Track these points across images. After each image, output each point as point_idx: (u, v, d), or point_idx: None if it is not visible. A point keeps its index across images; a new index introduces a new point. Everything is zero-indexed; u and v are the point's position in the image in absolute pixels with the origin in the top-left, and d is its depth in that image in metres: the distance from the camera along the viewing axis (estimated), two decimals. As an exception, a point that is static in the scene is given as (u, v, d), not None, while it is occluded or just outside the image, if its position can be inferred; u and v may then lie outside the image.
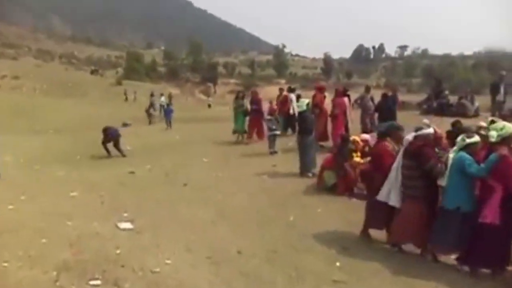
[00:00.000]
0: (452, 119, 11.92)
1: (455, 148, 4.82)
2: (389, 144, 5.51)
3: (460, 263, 4.86)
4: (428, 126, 5.21)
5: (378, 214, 5.55)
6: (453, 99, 17.79)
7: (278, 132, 11.72)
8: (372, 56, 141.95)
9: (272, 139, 11.69)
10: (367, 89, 12.85)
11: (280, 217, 6.85)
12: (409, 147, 5.05)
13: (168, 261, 5.18)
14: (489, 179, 4.47)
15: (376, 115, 12.30)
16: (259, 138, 13.61)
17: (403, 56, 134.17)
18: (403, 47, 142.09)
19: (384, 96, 11.88)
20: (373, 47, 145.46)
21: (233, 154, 11.99)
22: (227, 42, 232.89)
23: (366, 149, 8.91)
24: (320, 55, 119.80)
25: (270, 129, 11.62)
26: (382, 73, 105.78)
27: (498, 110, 13.84)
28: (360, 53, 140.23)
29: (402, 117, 14.53)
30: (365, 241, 5.82)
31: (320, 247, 5.71)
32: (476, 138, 4.75)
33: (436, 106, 16.99)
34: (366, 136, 9.09)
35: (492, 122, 10.41)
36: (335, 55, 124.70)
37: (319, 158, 9.46)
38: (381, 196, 5.33)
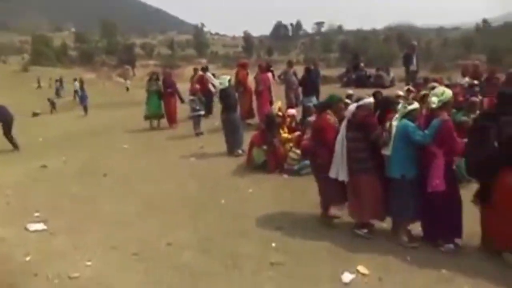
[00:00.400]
0: (371, 90, 12.40)
1: (397, 116, 4.71)
2: (330, 117, 5.25)
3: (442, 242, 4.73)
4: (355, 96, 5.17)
5: (334, 189, 5.24)
6: (369, 71, 18.48)
7: (202, 112, 11.25)
8: (290, 33, 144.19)
9: (197, 120, 11.21)
10: (290, 64, 12.76)
11: (212, 202, 6.51)
12: (352, 118, 4.84)
13: (89, 263, 4.65)
14: (431, 145, 4.45)
15: (300, 89, 12.26)
16: (171, 124, 12.77)
17: (320, 32, 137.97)
18: (319, 24, 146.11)
19: (307, 70, 11.85)
20: (291, 24, 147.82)
21: (156, 139, 11.34)
22: (144, 23, 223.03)
23: (293, 124, 8.86)
24: (240, 34, 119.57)
25: (193, 110, 11.12)
26: (301, 49, 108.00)
27: (412, 80, 14.47)
28: (279, 31, 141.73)
29: (325, 91, 14.84)
30: (326, 224, 5.48)
31: (255, 229, 5.48)
32: (416, 105, 4.71)
33: (355, 79, 17.54)
34: (292, 111, 8.99)
35: (408, 90, 11.06)
36: (255, 33, 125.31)
37: (246, 136, 9.20)
38: (332, 173, 5.08)
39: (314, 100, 10.86)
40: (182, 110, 12.78)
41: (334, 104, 5.30)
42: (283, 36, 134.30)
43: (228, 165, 8.43)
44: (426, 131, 4.46)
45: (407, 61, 14.57)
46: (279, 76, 12.92)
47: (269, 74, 11.54)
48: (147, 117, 12.98)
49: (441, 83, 9.80)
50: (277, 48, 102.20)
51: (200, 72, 14.07)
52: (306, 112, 9.70)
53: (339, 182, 5.10)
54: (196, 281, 4.31)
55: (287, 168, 7.82)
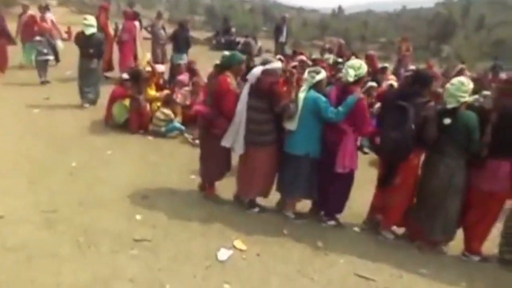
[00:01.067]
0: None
1: (303, 87, 4.23)
2: (231, 80, 4.42)
3: (325, 218, 4.58)
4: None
5: (223, 161, 4.64)
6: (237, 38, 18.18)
7: (50, 57, 9.46)
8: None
9: (43, 65, 9.39)
10: (159, 15, 11.55)
11: (59, 164, 5.38)
12: (257, 84, 4.14)
13: None
14: (343, 122, 4.11)
15: (169, 46, 11.22)
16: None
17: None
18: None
19: (181, 25, 10.83)
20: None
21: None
22: None
23: (161, 82, 7.99)
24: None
25: (40, 53, 9.27)
26: (166, 6, 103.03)
27: (280, 51, 14.65)
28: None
29: (193, 52, 14.06)
30: (209, 199, 4.82)
31: (115, 198, 4.64)
32: (324, 74, 4.27)
33: (224, 42, 17.06)
34: (161, 67, 8.07)
35: (280, 60, 11.03)
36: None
37: (104, 90, 8.02)
38: (226, 142, 4.39)
39: (184, 57, 10.04)
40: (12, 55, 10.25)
41: (235, 65, 4.44)
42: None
43: (80, 121, 7.20)
44: (339, 108, 4.07)
45: (277, 32, 14.64)
46: (145, 28, 11.59)
47: (136, 23, 10.24)
48: None
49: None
50: (139, 1, 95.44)
51: (31, 12, 10.77)
52: (175, 70, 8.88)
53: (227, 154, 4.59)
54: (37, 266, 3.37)
55: (152, 129, 7.00)
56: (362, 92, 8.56)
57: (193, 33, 26.29)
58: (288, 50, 14.09)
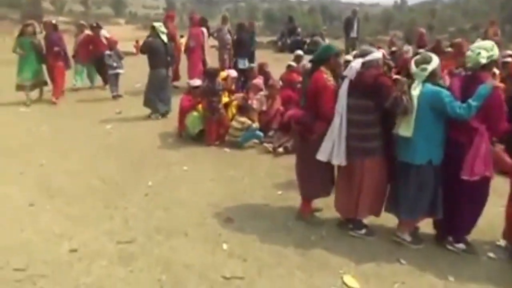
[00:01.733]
0: (308, 57, 11.33)
1: (415, 82, 3.35)
2: (327, 76, 3.60)
3: (452, 240, 3.65)
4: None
5: (324, 176, 3.85)
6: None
7: (121, 71, 9.29)
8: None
9: (114, 78, 9.25)
10: (224, 19, 11.11)
11: (136, 185, 4.93)
12: (358, 79, 3.38)
13: None
14: (473, 119, 3.24)
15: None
16: (56, 95, 8.90)
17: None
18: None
19: (242, 27, 10.28)
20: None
21: (63, 100, 9.12)
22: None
23: (233, 88, 7.46)
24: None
25: (111, 67, 9.14)
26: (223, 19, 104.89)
27: (352, 47, 13.68)
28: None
29: (258, 56, 13.50)
30: (303, 220, 4.08)
31: (194, 223, 4.06)
32: (437, 61, 3.38)
33: (290, 44, 16.34)
34: (234, 72, 7.50)
35: (356, 56, 10.12)
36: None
37: (174, 102, 7.64)
38: (323, 155, 3.57)
39: (246, 62, 9.56)
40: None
41: (332, 57, 3.66)
42: (207, 0, 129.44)
43: (154, 135, 6.82)
44: (470, 101, 3.17)
45: (347, 26, 13.67)
46: (211, 34, 11.22)
47: (203, 29, 9.83)
48: (20, 87, 8.73)
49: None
50: (200, 12, 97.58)
51: (87, 32, 10.13)
52: (246, 74, 8.30)
53: (328, 167, 3.81)
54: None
55: (228, 139, 6.43)
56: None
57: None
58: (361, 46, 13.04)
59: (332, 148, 3.53)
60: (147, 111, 7.77)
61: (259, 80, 7.32)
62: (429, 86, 3.31)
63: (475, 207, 3.48)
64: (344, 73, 3.51)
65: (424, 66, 3.31)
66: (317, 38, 16.10)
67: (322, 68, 3.64)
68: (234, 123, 6.36)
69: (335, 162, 3.57)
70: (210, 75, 6.69)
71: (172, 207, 4.39)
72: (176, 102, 7.17)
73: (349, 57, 9.68)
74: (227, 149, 6.23)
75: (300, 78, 7.57)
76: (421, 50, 10.36)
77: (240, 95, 7.08)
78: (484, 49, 3.24)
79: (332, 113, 3.49)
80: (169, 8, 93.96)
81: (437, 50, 11.59)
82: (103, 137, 6.74)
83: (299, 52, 9.71)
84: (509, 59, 9.68)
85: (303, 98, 3.85)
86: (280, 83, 7.45)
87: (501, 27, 18.59)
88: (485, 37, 12.27)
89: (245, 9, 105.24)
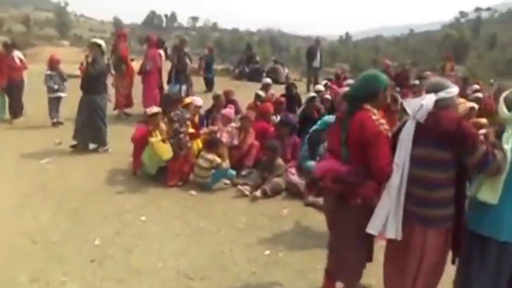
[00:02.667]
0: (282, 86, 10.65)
1: (508, 131, 2.42)
2: (377, 117, 2.61)
3: None
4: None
5: (361, 255, 2.83)
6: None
7: (63, 94, 7.97)
8: (164, 24, 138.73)
9: (55, 103, 7.92)
10: (182, 42, 10.16)
11: (78, 244, 3.74)
12: (431, 122, 2.44)
13: None
14: None
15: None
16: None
17: (195, 27, 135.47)
18: (194, 18, 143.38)
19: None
20: (165, 15, 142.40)
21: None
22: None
23: (196, 118, 6.45)
24: (109, 19, 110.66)
25: (51, 90, 7.83)
26: (175, 42, 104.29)
27: (314, 76, 13.20)
28: (152, 20, 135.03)
29: (219, 82, 12.68)
30: None
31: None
32: None
33: (249, 72, 15.66)
34: (200, 100, 6.51)
35: (326, 85, 9.51)
36: (126, 20, 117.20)
37: (123, 130, 6.49)
38: (375, 226, 2.60)
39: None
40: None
41: (381, 92, 2.68)
42: (156, 26, 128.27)
43: (101, 172, 5.62)
44: None
45: (310, 55, 13.19)
46: (168, 57, 10.22)
47: (161, 52, 8.82)
48: None
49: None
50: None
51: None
52: (216, 103, 7.32)
53: (369, 239, 2.81)
54: None
55: (194, 180, 5.40)
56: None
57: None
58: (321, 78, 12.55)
59: (387, 217, 2.56)
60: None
61: (229, 110, 6.40)
62: None
63: None
64: (411, 113, 2.52)
65: None
66: (277, 66, 15.58)
67: (368, 107, 2.66)
68: (200, 161, 5.33)
69: (390, 235, 2.56)
70: (172, 101, 5.68)
71: (128, 279, 3.26)
72: (128, 132, 6.02)
73: (320, 87, 9.19)
74: (193, 192, 5.17)
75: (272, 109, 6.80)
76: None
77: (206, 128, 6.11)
78: None
79: (390, 170, 2.54)
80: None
81: (402, 77, 11.37)
82: (36, 175, 5.44)
83: (267, 80, 9.00)
84: (479, 95, 9.56)
85: (344, 148, 2.71)
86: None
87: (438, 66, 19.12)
88: (442, 72, 12.27)
89: (195, 37, 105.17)
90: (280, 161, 5.43)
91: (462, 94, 10.30)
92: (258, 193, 5.06)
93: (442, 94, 2.47)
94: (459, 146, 2.39)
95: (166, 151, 5.26)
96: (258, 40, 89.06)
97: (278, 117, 6.68)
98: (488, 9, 61.41)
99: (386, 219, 2.52)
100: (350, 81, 9.63)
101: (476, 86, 10.77)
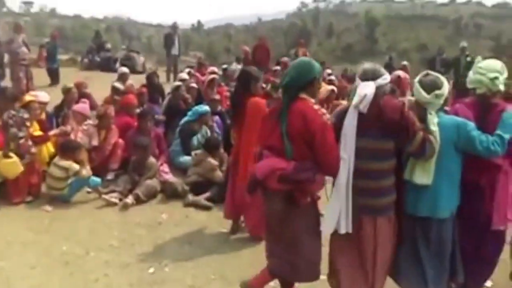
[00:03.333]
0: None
1: (431, 113, 2.38)
2: (318, 106, 2.41)
3: None
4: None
5: (316, 254, 2.52)
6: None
7: None
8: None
9: None
10: (18, 28, 8.55)
11: None
12: (374, 111, 2.29)
13: None
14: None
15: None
16: None
17: (29, 13, 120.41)
18: (28, 3, 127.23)
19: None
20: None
21: None
22: None
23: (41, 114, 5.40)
24: None
25: None
26: (5, 30, 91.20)
27: (173, 65, 12.55)
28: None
29: (63, 75, 11.13)
30: None
31: None
32: (447, 84, 2.51)
33: (100, 61, 14.26)
34: (46, 95, 5.43)
35: (190, 74, 8.99)
36: None
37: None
38: (329, 225, 2.37)
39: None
40: None
41: (316, 81, 2.47)
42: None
43: None
44: (500, 133, 2.41)
45: (168, 42, 12.47)
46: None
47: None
48: None
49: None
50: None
51: None
52: (66, 97, 6.24)
53: (319, 238, 2.54)
54: None
55: (47, 192, 4.46)
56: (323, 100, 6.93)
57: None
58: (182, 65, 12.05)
59: (338, 211, 2.33)
60: None
61: (83, 105, 5.49)
62: (448, 117, 2.49)
63: (494, 258, 2.78)
64: (353, 103, 2.31)
65: (438, 92, 2.42)
66: (132, 54, 14.47)
67: (304, 96, 2.42)
68: (53, 170, 4.41)
69: (342, 230, 2.36)
70: (4, 100, 4.58)
71: None
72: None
73: (184, 75, 8.65)
74: (48, 208, 4.25)
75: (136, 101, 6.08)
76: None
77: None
78: (497, 72, 2.55)
79: (339, 160, 2.33)
80: None
81: (262, 63, 11.48)
82: None
83: (124, 69, 8.12)
84: (332, 77, 10.21)
85: (286, 143, 2.38)
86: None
87: (286, 53, 20.42)
88: (295, 58, 12.85)
89: (30, 24, 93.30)
90: (152, 159, 4.82)
91: (320, 78, 11.00)
92: (129, 199, 4.40)
93: (380, 81, 2.32)
94: (402, 134, 2.29)
95: (11, 168, 4.21)
96: (105, 27, 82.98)
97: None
98: (324, 0, 67.69)
99: (338, 214, 2.33)
100: (214, 69, 9.42)
101: (329, 70, 11.55)
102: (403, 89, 4.76)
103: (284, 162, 2.35)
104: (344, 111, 2.37)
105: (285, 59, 10.98)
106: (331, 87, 7.96)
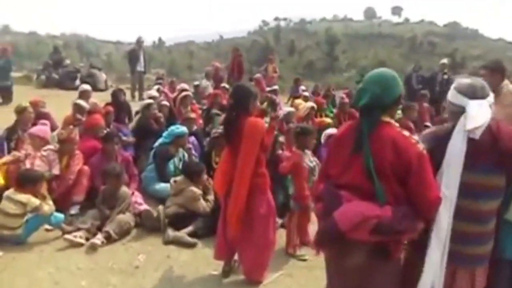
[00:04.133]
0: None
1: None
2: (406, 132, 1.92)
3: None
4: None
5: None
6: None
7: None
8: None
9: None
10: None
11: None
12: (488, 138, 1.88)
13: None
14: None
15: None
16: None
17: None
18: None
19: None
20: None
21: None
22: None
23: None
24: None
25: None
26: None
27: (139, 82, 11.84)
28: None
29: (18, 94, 10.18)
30: None
31: None
32: None
33: (60, 77, 13.31)
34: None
35: (159, 91, 8.37)
36: None
37: None
38: (427, 283, 1.87)
39: None
40: None
41: (400, 98, 2.04)
42: None
43: None
44: None
45: (133, 59, 11.76)
46: None
47: None
48: None
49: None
50: None
51: None
52: (20, 118, 5.49)
53: None
54: None
55: (-3, 233, 3.71)
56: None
57: None
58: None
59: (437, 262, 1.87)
60: None
61: (41, 127, 4.79)
62: None
63: None
64: (469, 126, 1.84)
65: None
66: (94, 71, 13.61)
67: (387, 120, 1.96)
68: (6, 205, 3.68)
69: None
70: None
71: None
72: None
73: (153, 92, 8.01)
74: (-2, 253, 3.52)
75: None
76: (226, 86, 9.46)
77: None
78: None
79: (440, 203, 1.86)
80: None
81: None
82: None
83: (86, 86, 7.39)
84: (306, 93, 9.91)
85: (376, 180, 1.84)
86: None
87: (249, 68, 20.21)
88: (266, 74, 12.48)
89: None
90: (124, 189, 4.18)
91: (295, 95, 10.65)
92: (98, 239, 3.72)
93: (491, 100, 1.89)
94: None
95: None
96: (63, 44, 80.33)
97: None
98: (285, 19, 68.77)
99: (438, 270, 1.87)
100: (184, 86, 8.80)
101: (303, 87, 11.25)
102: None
103: (376, 208, 1.82)
104: (441, 136, 1.92)
105: (258, 75, 10.57)
106: (310, 103, 7.56)
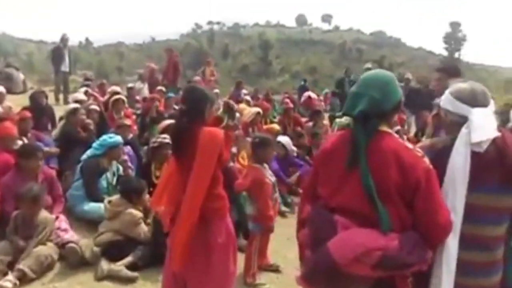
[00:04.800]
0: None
1: None
2: (409, 144, 1.65)
3: None
4: None
5: None
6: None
7: None
8: None
9: None
10: None
11: None
12: (494, 152, 1.60)
13: None
14: None
15: None
16: None
17: None
18: None
19: None
20: None
21: None
22: None
23: None
24: None
25: None
26: None
27: (63, 83, 10.71)
28: None
29: None
30: None
31: None
32: None
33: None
34: None
35: (87, 93, 7.52)
36: None
37: None
38: None
39: None
40: None
41: (400, 104, 1.70)
42: None
43: None
44: None
45: (57, 58, 10.61)
46: None
47: None
48: None
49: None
50: None
51: None
52: None
53: None
54: None
55: None
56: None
57: None
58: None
59: None
60: None
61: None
62: None
63: None
64: (475, 139, 1.59)
65: None
66: (10, 70, 12.12)
67: (385, 129, 1.64)
68: None
69: None
70: None
71: None
72: None
73: (80, 95, 7.11)
74: None
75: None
76: (163, 89, 8.77)
77: None
78: None
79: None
80: None
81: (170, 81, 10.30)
82: None
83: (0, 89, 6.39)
84: (248, 98, 9.51)
85: (378, 203, 1.51)
86: None
87: (183, 72, 19.62)
88: (203, 77, 11.96)
89: None
90: (44, 214, 3.40)
91: (238, 99, 10.19)
92: (9, 279, 2.95)
93: (493, 108, 1.64)
94: None
95: None
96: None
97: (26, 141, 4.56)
98: (218, 22, 68.63)
99: None
100: (115, 89, 7.97)
101: (245, 91, 10.84)
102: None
103: (379, 237, 1.50)
104: (440, 150, 1.66)
105: (197, 78, 10.01)
106: (256, 108, 7.12)
